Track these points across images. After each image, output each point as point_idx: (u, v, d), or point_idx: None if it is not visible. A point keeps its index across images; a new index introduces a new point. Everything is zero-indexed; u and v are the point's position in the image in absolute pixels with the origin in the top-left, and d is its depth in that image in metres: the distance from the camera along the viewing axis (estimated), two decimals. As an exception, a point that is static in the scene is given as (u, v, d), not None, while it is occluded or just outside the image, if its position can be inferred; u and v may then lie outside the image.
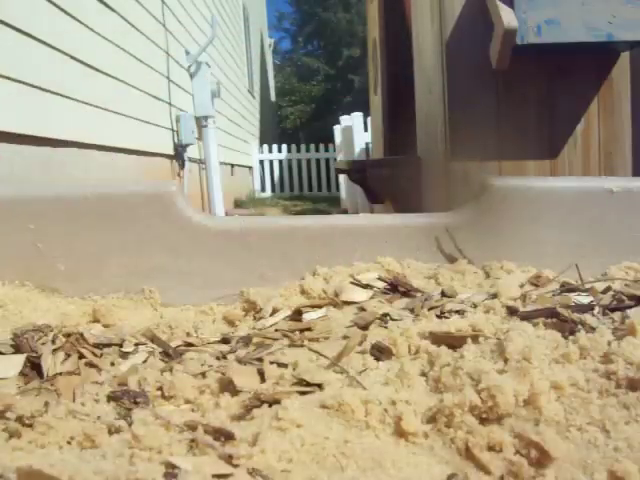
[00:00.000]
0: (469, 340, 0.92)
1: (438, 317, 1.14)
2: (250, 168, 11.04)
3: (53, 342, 1.02)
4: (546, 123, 2.40)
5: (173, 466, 0.61)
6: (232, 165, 8.68)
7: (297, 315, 1.25)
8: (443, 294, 1.30)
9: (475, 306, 1.19)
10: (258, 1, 14.79)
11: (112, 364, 1.00)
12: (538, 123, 2.40)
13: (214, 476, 0.59)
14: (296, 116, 20.83)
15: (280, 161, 11.64)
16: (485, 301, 1.21)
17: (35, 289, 1.39)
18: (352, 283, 1.38)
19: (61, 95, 2.98)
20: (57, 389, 0.88)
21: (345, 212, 7.94)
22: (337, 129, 8.58)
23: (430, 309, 1.18)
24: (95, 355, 1.02)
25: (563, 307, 1.05)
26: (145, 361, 1.02)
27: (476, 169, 2.36)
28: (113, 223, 1.43)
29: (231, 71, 9.13)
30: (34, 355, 0.98)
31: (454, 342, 0.94)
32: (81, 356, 1.00)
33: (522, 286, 1.33)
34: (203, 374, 0.92)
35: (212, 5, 7.54)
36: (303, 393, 0.82)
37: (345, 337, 1.08)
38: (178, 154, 5.30)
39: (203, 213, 1.59)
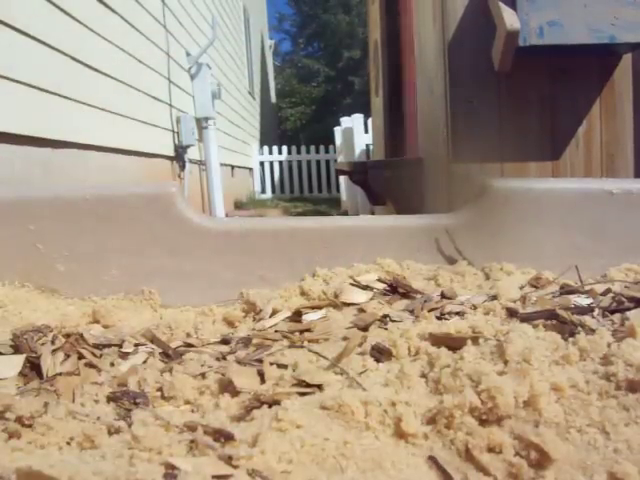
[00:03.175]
0: (469, 341, 0.92)
1: (438, 318, 1.14)
2: (250, 169, 11.04)
3: (53, 343, 1.02)
4: (548, 124, 2.40)
5: (173, 467, 0.61)
6: (232, 166, 8.68)
7: (297, 316, 1.25)
8: (443, 295, 1.30)
9: (475, 308, 1.19)
10: (258, 2, 14.80)
11: (112, 365, 1.00)
12: (540, 124, 2.40)
13: (214, 477, 0.59)
14: (296, 117, 20.83)
15: (280, 162, 11.65)
16: (485, 303, 1.21)
17: (35, 290, 1.40)
18: (352, 284, 1.38)
19: (61, 96, 2.99)
20: (57, 389, 0.88)
21: (345, 213, 7.94)
22: (337, 130, 8.59)
23: (430, 310, 1.18)
24: (95, 356, 1.02)
25: (563, 309, 1.05)
26: (145, 362, 1.02)
27: (478, 170, 2.36)
28: (113, 224, 1.43)
29: (232, 72, 9.14)
30: (34, 355, 0.98)
31: (454, 343, 0.94)
32: (81, 357, 1.00)
33: (522, 288, 1.33)
34: (203, 375, 0.92)
35: (212, 6, 7.55)
36: (303, 394, 0.82)
37: (345, 338, 1.08)
38: (178, 155, 5.30)
39: (203, 214, 1.59)
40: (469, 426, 0.71)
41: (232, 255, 1.47)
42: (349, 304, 1.30)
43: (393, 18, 4.16)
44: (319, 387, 0.84)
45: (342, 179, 8.74)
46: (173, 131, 5.21)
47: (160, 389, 0.88)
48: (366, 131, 7.88)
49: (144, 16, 4.46)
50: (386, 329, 1.10)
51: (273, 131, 16.57)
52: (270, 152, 11.63)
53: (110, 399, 0.85)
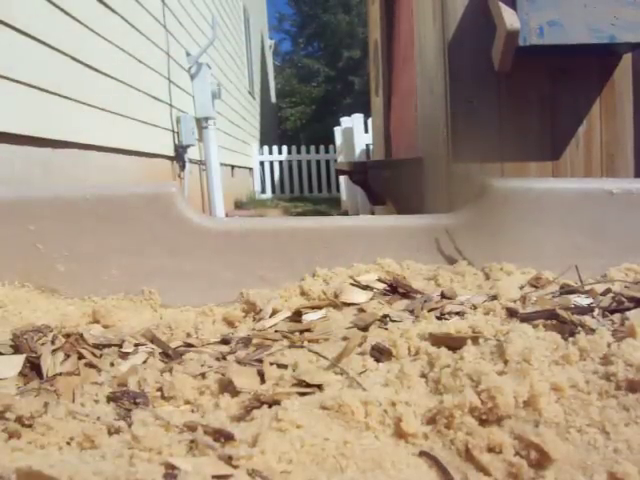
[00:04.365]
0: (469, 341, 0.92)
1: (438, 318, 1.14)
2: (250, 169, 11.04)
3: (53, 343, 1.02)
4: (548, 124, 2.40)
5: (173, 467, 0.61)
6: (232, 166, 8.69)
7: (297, 316, 1.25)
8: (443, 295, 1.30)
9: (475, 307, 1.19)
10: (258, 2, 14.80)
11: (112, 365, 1.00)
12: (540, 124, 2.40)
13: (214, 477, 0.59)
14: (296, 117, 20.83)
15: (280, 162, 11.65)
16: (485, 303, 1.21)
17: (35, 290, 1.40)
18: (352, 284, 1.38)
19: (61, 96, 2.99)
20: (57, 389, 0.88)
21: (345, 213, 7.94)
22: (337, 130, 8.59)
23: (430, 310, 1.18)
24: (95, 356, 1.02)
25: (563, 309, 1.05)
26: (145, 362, 1.01)
27: (478, 170, 2.36)
28: (113, 224, 1.43)
29: (232, 72, 9.14)
30: (34, 355, 0.98)
31: (454, 343, 0.94)
32: (81, 357, 1.00)
33: (522, 288, 1.33)
34: (203, 375, 0.92)
35: (212, 6, 7.55)
36: (303, 394, 0.82)
37: (345, 338, 1.08)
38: (179, 155, 5.30)
39: (203, 214, 1.59)
40: (469, 426, 0.71)
41: (232, 255, 1.47)
42: (349, 304, 1.30)
43: (393, 18, 4.16)
44: (319, 387, 0.84)
45: (342, 179, 8.74)
46: (173, 131, 5.21)
47: (160, 389, 0.88)
48: (366, 131, 7.88)
49: (144, 16, 4.46)
50: (386, 329, 1.10)
51: (273, 131, 16.57)
52: (270, 152, 11.63)
53: (110, 399, 0.85)
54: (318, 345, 1.07)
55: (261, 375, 0.90)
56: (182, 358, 1.01)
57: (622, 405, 0.75)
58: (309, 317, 1.23)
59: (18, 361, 0.97)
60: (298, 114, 20.85)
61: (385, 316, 1.18)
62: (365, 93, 11.87)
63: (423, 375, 0.87)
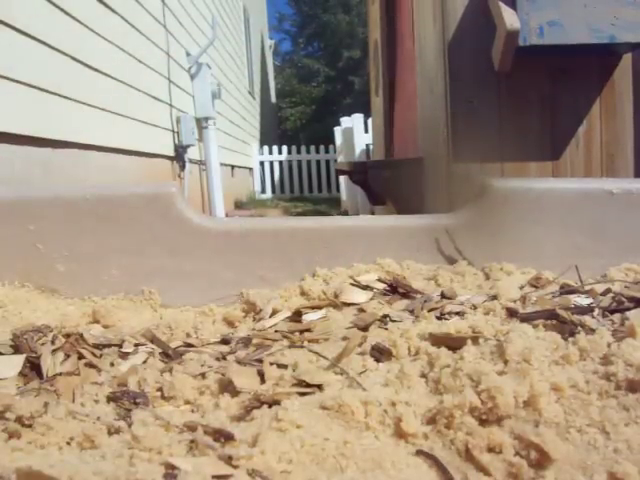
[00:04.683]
0: (469, 341, 0.92)
1: (438, 318, 1.14)
2: (250, 169, 11.04)
3: (53, 343, 1.02)
4: (548, 124, 2.40)
5: (173, 467, 0.61)
6: (232, 166, 8.68)
7: (297, 316, 1.25)
8: (443, 295, 1.29)
9: (475, 308, 1.19)
10: (259, 2, 14.80)
11: (112, 365, 1.00)
12: (540, 124, 2.40)
13: (214, 477, 0.59)
14: (296, 117, 20.83)
15: (280, 162, 11.65)
16: (485, 303, 1.21)
17: (35, 290, 1.40)
18: (352, 284, 1.38)
19: (61, 96, 2.99)
20: (57, 389, 0.88)
21: (345, 213, 7.94)
22: (337, 130, 8.59)
23: (430, 310, 1.18)
24: (95, 356, 1.02)
25: (563, 309, 1.05)
26: (145, 362, 1.02)
27: (478, 170, 2.36)
28: (113, 224, 1.43)
29: (232, 72, 9.14)
30: (34, 355, 0.98)
31: (454, 343, 0.94)
32: (81, 356, 1.00)
33: (522, 288, 1.33)
34: (203, 375, 0.92)
35: (212, 6, 7.55)
36: (303, 394, 0.82)
37: (345, 338, 1.08)
38: (179, 155, 5.30)
39: (203, 214, 1.59)
40: (469, 426, 0.71)
41: (232, 255, 1.47)
42: (349, 304, 1.30)
43: (393, 18, 4.16)
44: (319, 387, 0.84)
45: (342, 179, 8.74)
46: (173, 131, 5.21)
47: (160, 389, 0.88)
48: (366, 131, 7.88)
49: (144, 16, 4.46)
50: (386, 329, 1.10)
51: (273, 131, 16.57)
52: (270, 152, 11.63)
53: (110, 399, 0.85)
54: (318, 345, 1.07)
55: (261, 375, 0.90)
56: (182, 358, 1.01)
57: (622, 405, 0.75)
58: (309, 317, 1.23)
59: (18, 361, 0.97)
60: (298, 114, 20.86)
61: (385, 316, 1.18)
62: (365, 93, 11.87)
63: (423, 375, 0.87)
